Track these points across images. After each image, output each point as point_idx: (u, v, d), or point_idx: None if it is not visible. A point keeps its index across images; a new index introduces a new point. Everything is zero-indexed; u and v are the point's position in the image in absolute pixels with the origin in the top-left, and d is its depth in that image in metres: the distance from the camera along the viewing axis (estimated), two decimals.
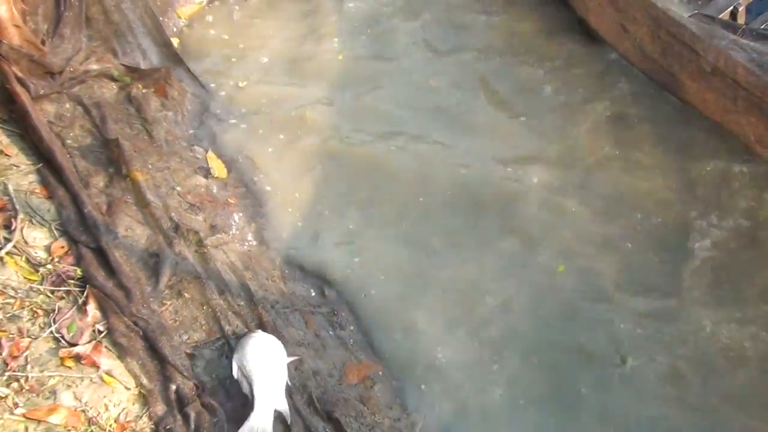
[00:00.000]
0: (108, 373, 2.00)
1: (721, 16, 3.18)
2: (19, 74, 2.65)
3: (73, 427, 1.88)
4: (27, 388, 1.91)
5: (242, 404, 1.99)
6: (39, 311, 2.09)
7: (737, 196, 2.64)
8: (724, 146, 2.77)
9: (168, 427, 1.93)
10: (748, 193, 2.64)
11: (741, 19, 3.28)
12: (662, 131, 2.89)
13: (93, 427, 1.89)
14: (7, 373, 1.91)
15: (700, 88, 2.84)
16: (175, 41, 3.31)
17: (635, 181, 2.76)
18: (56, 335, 2.04)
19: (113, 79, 2.95)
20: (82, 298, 2.13)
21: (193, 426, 1.94)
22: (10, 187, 2.34)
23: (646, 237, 2.60)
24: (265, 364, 2.03)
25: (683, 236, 2.58)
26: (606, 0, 3.14)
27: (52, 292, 2.14)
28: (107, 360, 2.02)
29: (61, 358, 2.01)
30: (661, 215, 2.65)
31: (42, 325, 2.06)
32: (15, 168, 2.44)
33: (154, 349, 2.08)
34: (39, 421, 1.85)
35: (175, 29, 3.44)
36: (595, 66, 3.20)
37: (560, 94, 3.12)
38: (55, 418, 1.87)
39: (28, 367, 1.95)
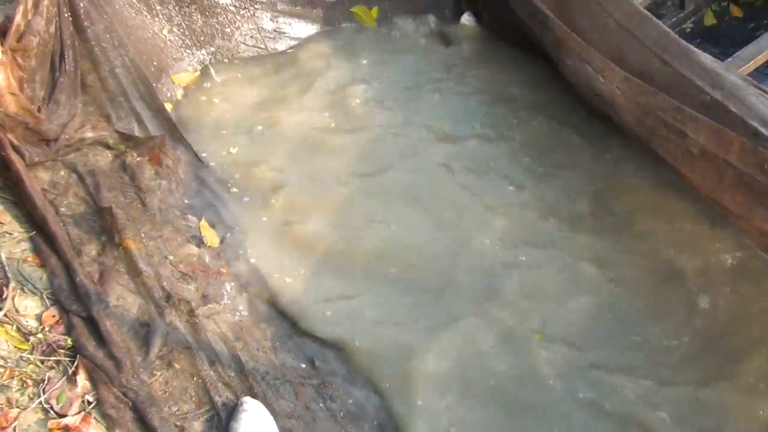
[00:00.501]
0: None
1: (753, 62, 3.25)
2: (15, 142, 2.68)
3: None
4: None
5: None
6: (28, 381, 2.08)
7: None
8: None
9: None
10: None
11: None
12: None
13: None
14: None
15: None
16: (168, 107, 3.37)
17: None
18: (45, 406, 2.03)
19: (108, 147, 2.98)
20: (72, 368, 2.12)
21: None
22: (3, 255, 2.35)
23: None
24: None
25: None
26: None
27: (42, 361, 2.13)
28: None
29: (50, 430, 1.99)
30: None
31: (31, 396, 2.05)
32: (8, 236, 2.45)
33: (143, 421, 2.07)
34: None
35: (169, 95, 3.49)
36: None
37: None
38: None
39: None
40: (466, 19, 4.00)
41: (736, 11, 4.06)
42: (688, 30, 4.04)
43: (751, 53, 3.25)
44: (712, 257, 2.74)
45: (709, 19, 4.06)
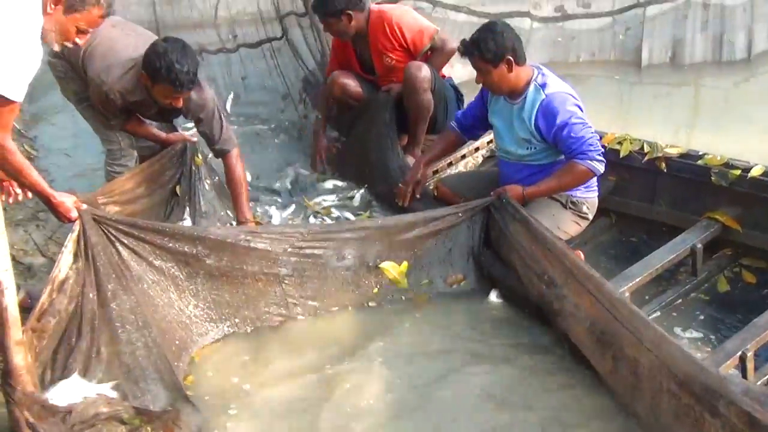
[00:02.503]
0: None
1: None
2: (30, 419, 2.72)
3: None
4: None
5: None
6: None
7: None
8: None
9: None
10: None
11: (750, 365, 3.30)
12: None
13: None
14: None
15: None
16: (188, 381, 3.41)
17: None
18: None
19: (122, 422, 2.98)
20: None
21: None
22: None
23: None
24: None
25: None
26: None
27: None
28: None
29: None
30: None
31: None
32: None
33: None
34: None
35: (188, 369, 3.53)
36: None
37: None
38: None
39: None
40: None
41: (749, 277, 4.13)
42: (702, 297, 4.09)
43: None
44: None
45: (723, 286, 4.12)
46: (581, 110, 3.95)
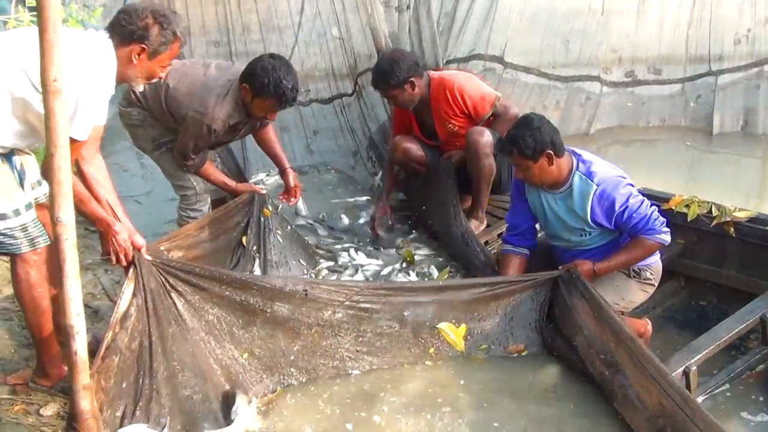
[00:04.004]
0: None
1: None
2: None
3: None
4: None
5: None
6: None
7: None
8: None
9: None
10: None
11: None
12: None
13: None
14: None
15: None
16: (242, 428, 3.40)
17: None
18: None
19: None
20: None
21: None
22: None
23: None
24: None
25: None
26: None
27: None
28: None
29: None
30: None
31: None
32: None
33: None
34: None
35: (239, 416, 3.50)
36: None
37: None
38: None
39: None
40: None
41: None
42: None
43: None
44: None
45: None
46: (633, 186, 3.89)
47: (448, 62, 6.88)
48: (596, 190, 3.82)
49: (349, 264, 4.88)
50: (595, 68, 7.56)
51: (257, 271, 4.39)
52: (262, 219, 4.48)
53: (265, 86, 4.06)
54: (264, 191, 4.58)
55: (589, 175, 3.85)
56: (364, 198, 5.88)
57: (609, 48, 7.57)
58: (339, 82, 6.77)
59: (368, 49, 6.38)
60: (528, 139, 3.78)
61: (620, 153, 7.18)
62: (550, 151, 3.79)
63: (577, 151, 3.99)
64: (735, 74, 7.50)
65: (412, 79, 4.83)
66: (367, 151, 6.38)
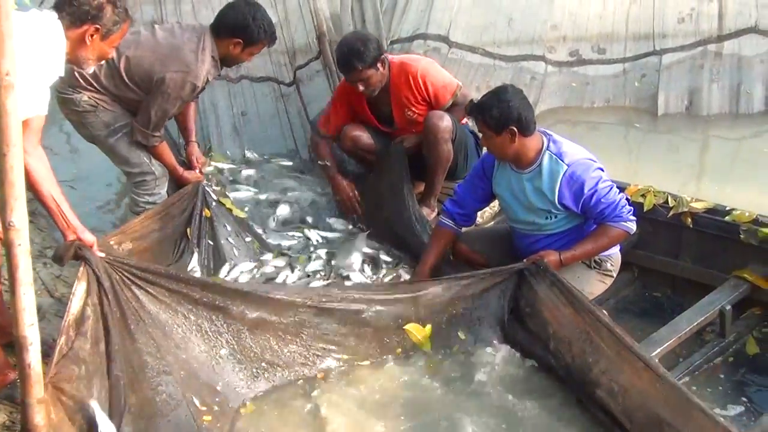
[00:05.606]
0: None
1: None
2: None
3: None
4: None
5: None
6: None
7: None
8: None
9: None
10: None
11: None
12: None
13: None
14: None
15: None
16: None
17: None
18: None
19: None
20: None
21: None
22: None
23: None
24: None
25: None
26: None
27: None
28: None
29: None
30: None
31: None
32: None
33: None
34: None
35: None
36: None
37: None
38: None
39: None
40: None
41: None
42: (731, 359, 3.97)
43: None
44: None
45: (752, 348, 4.00)
46: (603, 171, 3.84)
47: (392, 43, 6.67)
48: (566, 171, 3.75)
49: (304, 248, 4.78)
50: (540, 47, 7.44)
51: (195, 264, 4.31)
52: (204, 211, 4.39)
53: (259, 34, 4.22)
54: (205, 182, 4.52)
55: (560, 155, 3.79)
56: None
57: (552, 26, 7.47)
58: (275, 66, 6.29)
59: (307, 36, 6.08)
60: (494, 110, 3.70)
61: (565, 134, 7.09)
62: (514, 128, 3.70)
63: (548, 131, 3.93)
64: (679, 53, 7.44)
65: (383, 56, 4.69)
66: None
